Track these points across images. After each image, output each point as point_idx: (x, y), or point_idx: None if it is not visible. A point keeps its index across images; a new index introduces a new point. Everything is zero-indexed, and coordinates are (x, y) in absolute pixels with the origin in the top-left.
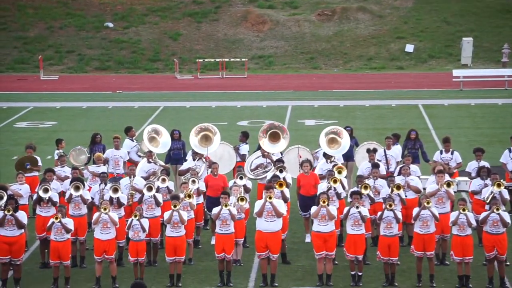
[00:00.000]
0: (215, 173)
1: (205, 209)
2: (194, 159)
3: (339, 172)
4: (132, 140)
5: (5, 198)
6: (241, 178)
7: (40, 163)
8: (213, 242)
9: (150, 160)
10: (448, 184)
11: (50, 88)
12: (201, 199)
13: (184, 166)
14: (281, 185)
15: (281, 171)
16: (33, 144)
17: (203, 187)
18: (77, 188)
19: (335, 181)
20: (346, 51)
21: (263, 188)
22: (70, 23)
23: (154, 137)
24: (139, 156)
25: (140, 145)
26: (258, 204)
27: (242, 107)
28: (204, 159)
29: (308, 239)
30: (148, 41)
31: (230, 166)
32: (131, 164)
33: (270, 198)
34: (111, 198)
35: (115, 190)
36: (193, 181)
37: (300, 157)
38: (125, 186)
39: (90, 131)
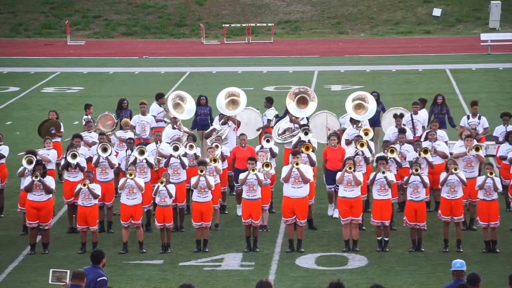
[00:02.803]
0: (243, 144)
1: (234, 182)
2: (220, 120)
3: (366, 134)
4: (160, 106)
5: (34, 163)
6: (267, 141)
7: (62, 129)
8: (239, 213)
9: (175, 126)
10: (477, 148)
11: (77, 54)
12: (225, 164)
13: (210, 128)
14: (307, 148)
15: (306, 134)
16: (57, 111)
17: (227, 153)
18: (104, 150)
19: (362, 145)
20: (372, 16)
21: (290, 153)
22: None
23: (178, 103)
24: (166, 122)
25: (167, 112)
26: (285, 170)
27: (268, 73)
28: (230, 123)
29: (330, 211)
30: (174, 6)
31: (257, 131)
32: (157, 130)
33: (297, 164)
34: (135, 160)
35: (141, 153)
36: (216, 146)
37: (329, 129)
38: (151, 152)
39: (117, 96)
